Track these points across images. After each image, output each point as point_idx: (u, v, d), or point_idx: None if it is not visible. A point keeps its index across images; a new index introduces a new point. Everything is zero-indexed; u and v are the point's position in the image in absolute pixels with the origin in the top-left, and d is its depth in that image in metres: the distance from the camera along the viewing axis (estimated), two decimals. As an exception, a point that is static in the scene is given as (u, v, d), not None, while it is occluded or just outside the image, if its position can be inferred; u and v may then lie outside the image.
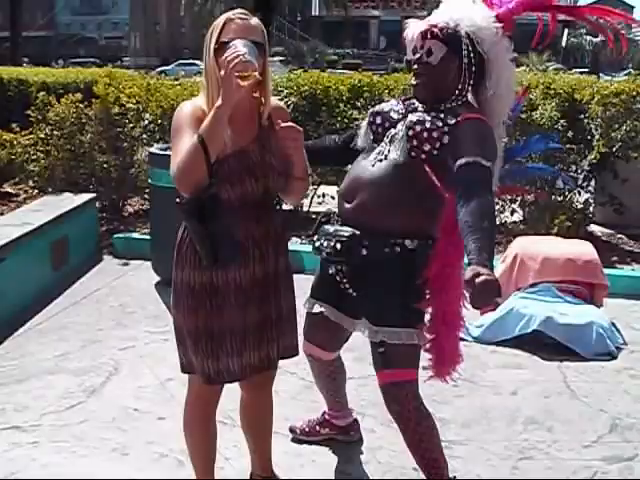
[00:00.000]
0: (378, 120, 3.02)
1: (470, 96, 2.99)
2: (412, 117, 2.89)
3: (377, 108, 3.10)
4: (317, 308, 3.25)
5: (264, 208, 2.68)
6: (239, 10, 2.59)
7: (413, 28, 2.95)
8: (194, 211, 2.48)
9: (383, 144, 2.95)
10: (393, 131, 2.94)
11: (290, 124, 2.57)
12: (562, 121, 6.78)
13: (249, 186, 2.59)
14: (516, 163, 3.30)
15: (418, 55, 2.91)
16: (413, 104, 3.02)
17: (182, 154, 2.47)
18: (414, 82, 2.96)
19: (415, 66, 2.93)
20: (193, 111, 2.59)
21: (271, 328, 2.78)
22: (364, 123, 3.12)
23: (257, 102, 2.66)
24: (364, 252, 2.90)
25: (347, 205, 2.98)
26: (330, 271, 3.09)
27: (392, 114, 3.00)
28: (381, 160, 2.91)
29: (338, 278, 3.08)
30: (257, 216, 2.66)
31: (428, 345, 3.01)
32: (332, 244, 2.95)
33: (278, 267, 2.77)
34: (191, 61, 39.12)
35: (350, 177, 3.03)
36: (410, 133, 2.84)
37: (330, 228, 3.01)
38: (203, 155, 2.43)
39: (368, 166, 2.94)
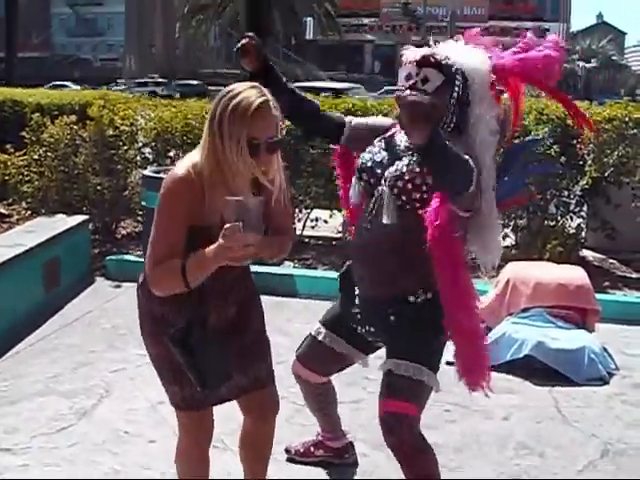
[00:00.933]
0: (364, 177, 3.04)
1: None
2: (390, 174, 2.91)
3: (361, 162, 3.06)
4: (324, 337, 3.28)
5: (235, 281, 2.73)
6: (261, 92, 2.47)
7: (412, 53, 2.95)
8: (180, 341, 2.54)
9: (372, 205, 2.98)
10: (379, 190, 2.95)
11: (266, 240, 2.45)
12: (555, 147, 6.81)
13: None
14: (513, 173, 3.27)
15: (412, 81, 2.87)
16: (392, 141, 3.05)
17: (162, 267, 2.47)
18: (403, 109, 2.84)
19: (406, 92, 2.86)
20: (184, 181, 2.50)
21: (239, 356, 2.75)
22: (354, 179, 3.12)
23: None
24: (392, 319, 2.99)
25: (362, 282, 3.08)
26: (358, 329, 3.18)
27: (376, 169, 2.98)
28: (378, 226, 2.94)
29: (365, 332, 3.17)
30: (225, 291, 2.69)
31: (452, 357, 3.08)
32: (367, 329, 3.13)
33: (244, 303, 2.80)
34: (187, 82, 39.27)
35: (355, 248, 3.13)
36: (395, 192, 2.88)
37: (357, 314, 3.13)
38: (182, 283, 2.43)
39: (367, 236, 2.99)
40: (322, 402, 3.52)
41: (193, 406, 2.74)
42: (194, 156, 2.56)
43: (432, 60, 2.89)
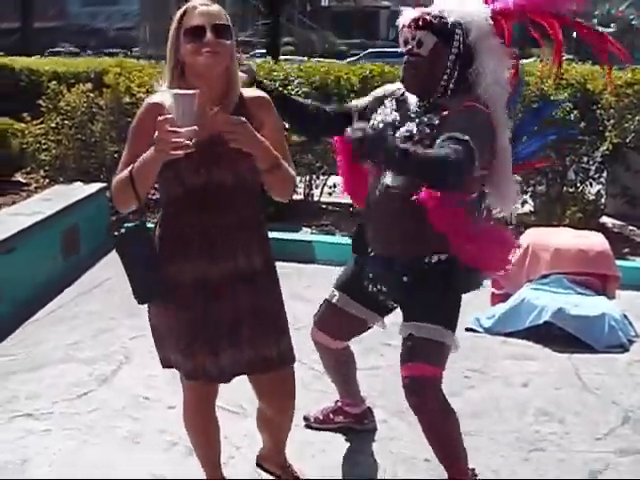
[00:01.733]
0: None
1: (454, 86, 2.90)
2: (401, 134, 2.84)
3: (372, 123, 2.98)
4: (337, 300, 3.26)
5: (231, 198, 2.57)
6: (203, 1, 2.52)
7: (405, 17, 2.90)
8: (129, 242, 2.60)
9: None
10: None
11: (228, 117, 2.41)
12: (575, 112, 6.74)
13: (216, 175, 2.51)
14: (530, 136, 3.20)
15: (409, 46, 2.85)
16: (403, 99, 3.01)
17: (116, 179, 2.49)
18: (403, 74, 2.93)
19: (406, 57, 2.89)
20: (148, 111, 2.52)
21: (249, 328, 2.65)
22: None
23: (224, 92, 2.56)
24: (405, 279, 2.97)
25: (375, 241, 3.07)
26: (369, 288, 3.15)
27: (388, 129, 2.83)
28: (387, 188, 2.91)
29: (376, 291, 3.14)
30: (222, 206, 2.56)
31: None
32: (378, 288, 3.11)
33: (253, 265, 2.65)
34: None
35: (367, 208, 3.12)
36: None
37: (370, 272, 3.12)
38: (132, 190, 2.42)
39: (379, 197, 2.96)
40: (341, 368, 3.51)
41: (201, 378, 2.71)
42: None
43: (423, 22, 2.82)
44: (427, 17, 2.82)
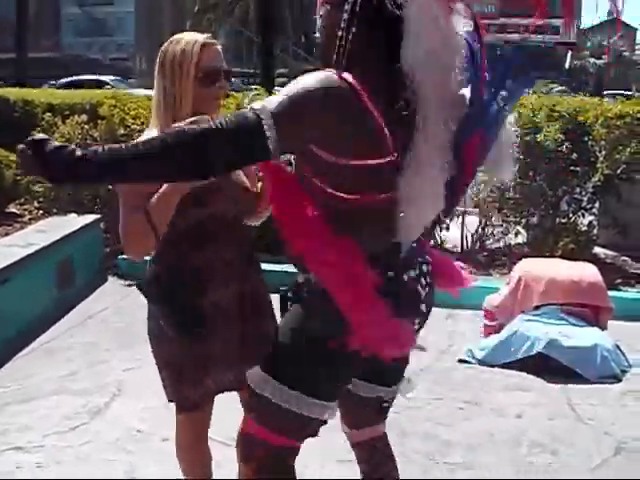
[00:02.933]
0: None
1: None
2: None
3: None
4: None
5: (233, 228, 2.63)
6: (206, 35, 2.56)
7: None
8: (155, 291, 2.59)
9: None
10: None
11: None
12: (567, 143, 6.79)
13: (221, 205, 2.54)
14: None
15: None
16: None
17: (126, 223, 2.40)
18: None
19: None
20: None
21: (251, 347, 2.63)
22: None
23: None
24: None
25: None
26: None
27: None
28: None
29: None
30: (225, 238, 2.60)
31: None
32: None
33: (245, 290, 2.68)
34: None
35: None
36: None
37: None
38: (148, 226, 2.36)
39: None
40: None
41: (193, 406, 2.72)
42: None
43: None
44: None
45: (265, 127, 1.87)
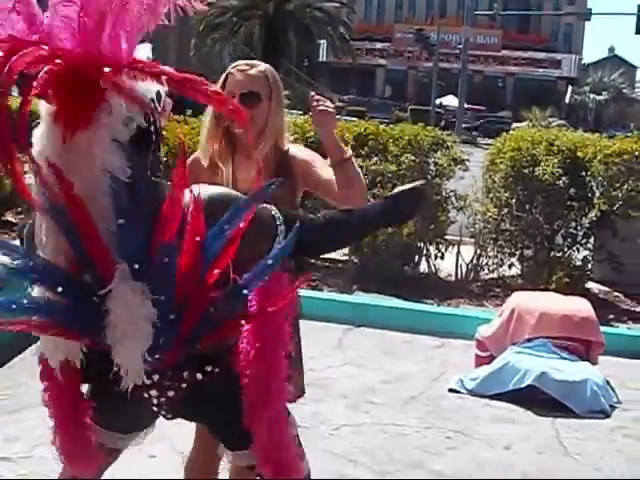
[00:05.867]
0: None
1: None
2: None
3: None
4: None
5: None
6: (242, 62, 2.67)
7: None
8: None
9: None
10: None
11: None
12: (564, 178, 6.84)
13: None
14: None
15: None
16: None
17: None
18: None
19: None
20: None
21: None
22: None
23: (263, 151, 2.67)
24: None
25: None
26: None
27: None
28: None
29: None
30: None
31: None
32: None
33: None
34: None
35: None
36: None
37: None
38: None
39: None
40: None
41: None
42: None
43: None
44: None
45: None
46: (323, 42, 49.46)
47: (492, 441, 4.30)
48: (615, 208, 7.05)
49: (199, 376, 2.16)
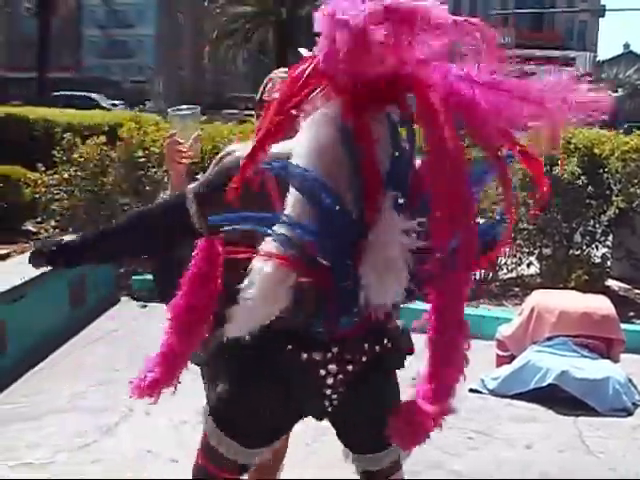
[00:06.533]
0: None
1: None
2: None
3: None
4: None
5: None
6: (282, 69, 2.66)
7: None
8: None
9: None
10: None
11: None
12: (583, 177, 6.81)
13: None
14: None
15: None
16: None
17: None
18: None
19: None
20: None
21: None
22: None
23: None
24: None
25: None
26: None
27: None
28: None
29: None
30: None
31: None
32: None
33: None
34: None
35: None
36: None
37: None
38: None
39: None
40: None
41: None
42: None
43: None
44: None
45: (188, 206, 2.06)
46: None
47: (513, 440, 4.29)
48: (634, 205, 7.01)
49: (377, 348, 2.17)
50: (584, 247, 7.18)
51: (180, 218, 2.06)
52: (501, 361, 5.22)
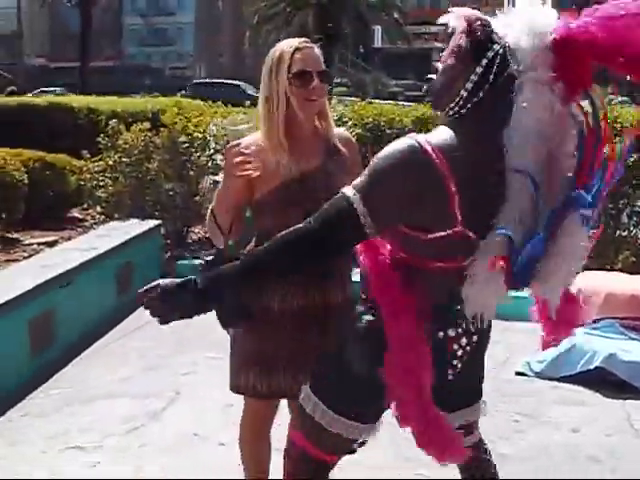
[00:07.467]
0: None
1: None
2: None
3: None
4: None
5: None
6: (303, 39, 2.67)
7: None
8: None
9: None
10: None
11: None
12: (635, 155, 6.69)
13: (313, 210, 2.56)
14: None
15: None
16: None
17: (208, 221, 2.73)
18: None
19: None
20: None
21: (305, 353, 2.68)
22: None
23: (321, 130, 2.74)
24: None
25: None
26: None
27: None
28: None
29: None
30: None
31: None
32: None
33: (345, 296, 2.73)
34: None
35: None
36: None
37: None
38: (215, 224, 2.67)
39: None
40: None
41: (274, 395, 2.78)
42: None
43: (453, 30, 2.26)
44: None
45: (360, 216, 2.05)
46: (377, 28, 49.14)
47: (560, 424, 4.25)
48: (682, 185, 6.88)
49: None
50: (631, 228, 7.07)
51: (352, 229, 2.07)
52: (547, 344, 5.17)
